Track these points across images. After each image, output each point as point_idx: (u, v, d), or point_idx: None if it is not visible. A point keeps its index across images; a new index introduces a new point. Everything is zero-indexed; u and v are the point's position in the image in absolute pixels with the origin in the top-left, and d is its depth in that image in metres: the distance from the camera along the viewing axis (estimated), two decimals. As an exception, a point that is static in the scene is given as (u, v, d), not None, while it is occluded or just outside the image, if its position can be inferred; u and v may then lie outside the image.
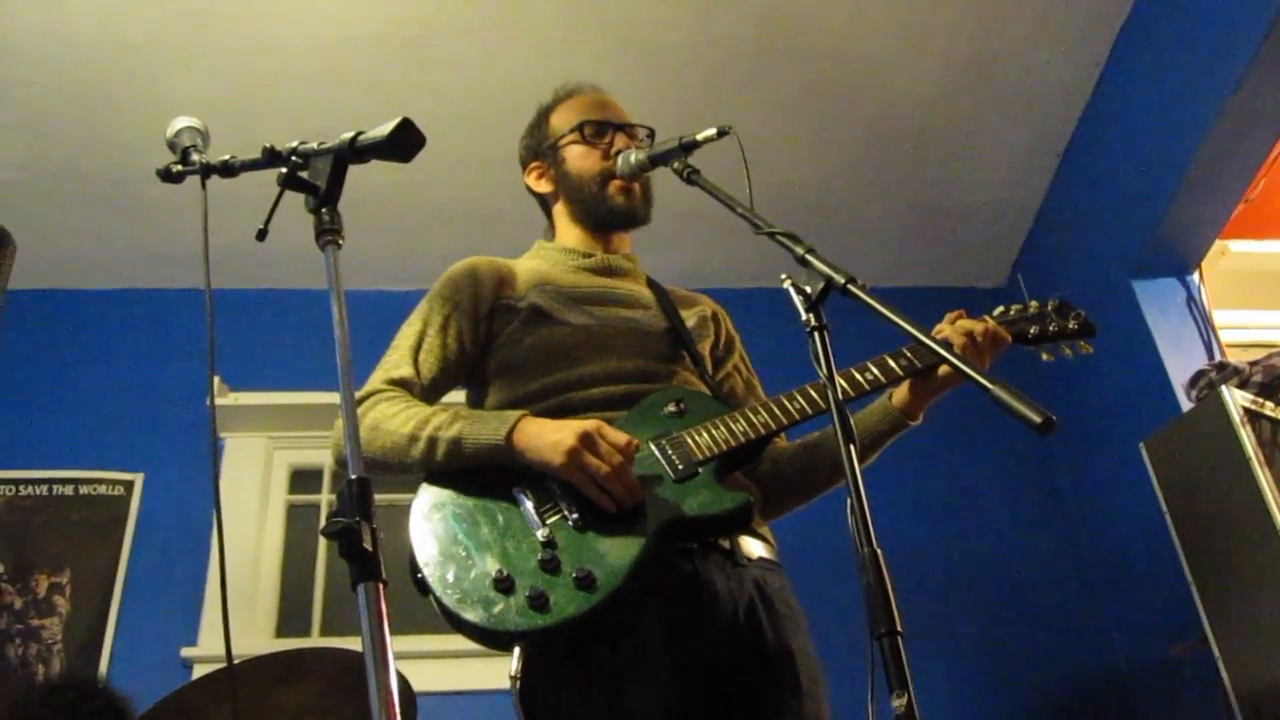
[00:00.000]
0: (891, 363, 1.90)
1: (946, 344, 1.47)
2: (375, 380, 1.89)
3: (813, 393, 1.84)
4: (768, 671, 1.71)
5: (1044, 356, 2.07)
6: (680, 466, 1.75)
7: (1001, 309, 2.05)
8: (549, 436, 1.68)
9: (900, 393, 1.95)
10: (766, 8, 3.63)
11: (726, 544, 1.77)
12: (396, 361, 1.91)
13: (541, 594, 1.58)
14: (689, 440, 1.79)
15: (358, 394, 1.83)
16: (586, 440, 1.66)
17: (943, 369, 1.89)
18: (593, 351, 1.92)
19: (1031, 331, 2.03)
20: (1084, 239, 4.12)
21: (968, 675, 3.72)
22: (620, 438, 1.69)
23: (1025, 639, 3.85)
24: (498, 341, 1.96)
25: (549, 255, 2.11)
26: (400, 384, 1.87)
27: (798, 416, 1.83)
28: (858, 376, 1.87)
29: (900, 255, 4.50)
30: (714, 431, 1.80)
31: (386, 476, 1.75)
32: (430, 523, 1.70)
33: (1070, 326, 2.05)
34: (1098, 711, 3.82)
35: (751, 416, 1.82)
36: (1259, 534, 2.76)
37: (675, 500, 1.71)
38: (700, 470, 1.76)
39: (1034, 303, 2.08)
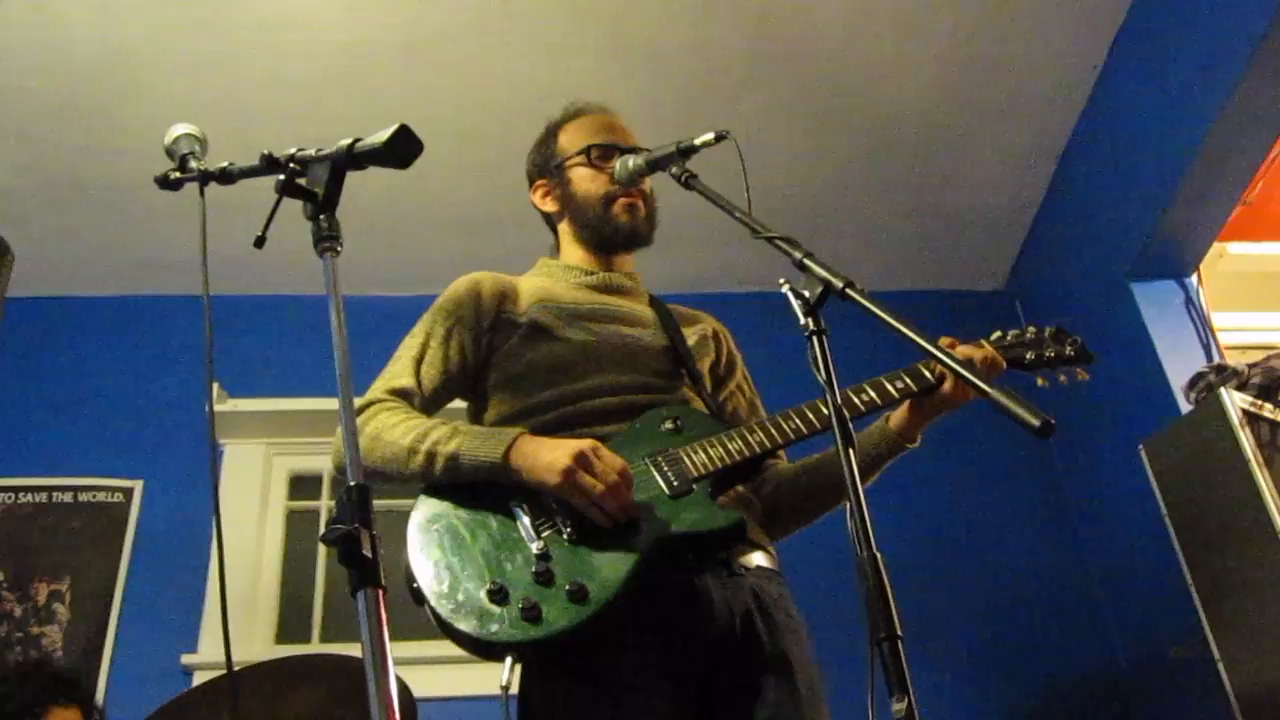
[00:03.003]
0: (888, 385, 1.90)
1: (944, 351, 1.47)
2: (376, 389, 1.90)
3: (809, 413, 1.85)
4: (765, 680, 1.71)
5: (1039, 382, 2.07)
6: (675, 483, 1.76)
7: (999, 334, 2.06)
8: (545, 456, 1.69)
9: (898, 415, 1.95)
10: (763, 12, 3.63)
11: (723, 554, 1.77)
12: (398, 372, 1.92)
13: (534, 606, 1.59)
14: (685, 458, 1.79)
15: (358, 402, 1.84)
16: (581, 460, 1.67)
17: (941, 390, 1.89)
18: (591, 367, 1.92)
19: (1028, 357, 2.04)
20: (1082, 242, 4.12)
21: (968, 679, 3.71)
22: (616, 460, 1.70)
23: (1025, 642, 3.84)
24: (498, 355, 1.97)
25: (552, 272, 2.12)
26: (401, 394, 1.89)
27: (793, 436, 1.83)
28: (854, 398, 1.88)
29: (898, 259, 4.49)
30: (710, 449, 1.80)
31: (386, 486, 1.76)
32: (427, 534, 1.71)
33: (1067, 353, 2.06)
34: (1098, 714, 3.81)
35: (747, 435, 1.82)
36: (1258, 536, 2.76)
37: (668, 517, 1.72)
38: (695, 487, 1.76)
39: (1031, 328, 2.08)
